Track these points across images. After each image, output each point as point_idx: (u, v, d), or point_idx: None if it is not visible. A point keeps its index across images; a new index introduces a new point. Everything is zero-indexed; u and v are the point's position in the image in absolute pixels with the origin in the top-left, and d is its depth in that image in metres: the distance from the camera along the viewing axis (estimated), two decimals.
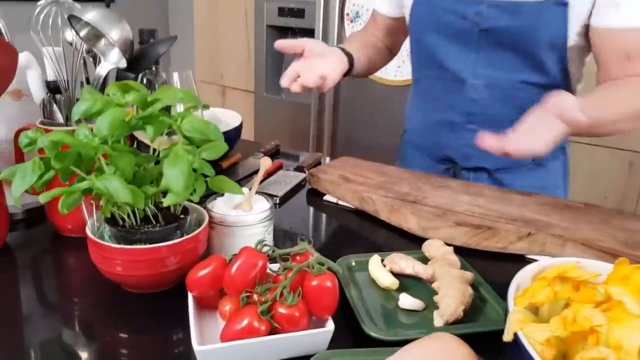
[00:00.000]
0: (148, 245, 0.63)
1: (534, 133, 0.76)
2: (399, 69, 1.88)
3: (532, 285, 0.54)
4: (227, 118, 1.23)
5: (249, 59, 2.35)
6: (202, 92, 2.61)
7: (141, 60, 0.78)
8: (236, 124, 1.17)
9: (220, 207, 0.74)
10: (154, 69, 0.92)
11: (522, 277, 0.55)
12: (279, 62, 2.26)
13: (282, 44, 0.98)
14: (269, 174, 1.11)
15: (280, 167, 1.17)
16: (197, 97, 0.72)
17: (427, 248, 0.75)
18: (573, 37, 0.91)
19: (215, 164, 0.97)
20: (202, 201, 0.71)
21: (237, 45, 2.40)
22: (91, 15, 0.69)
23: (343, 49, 1.05)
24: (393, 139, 1.96)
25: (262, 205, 0.75)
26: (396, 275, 0.70)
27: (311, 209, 0.99)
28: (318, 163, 1.20)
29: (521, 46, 0.93)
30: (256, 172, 1.04)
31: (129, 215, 0.66)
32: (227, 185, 0.68)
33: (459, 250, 0.75)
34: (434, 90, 1.08)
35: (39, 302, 0.67)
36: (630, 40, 0.85)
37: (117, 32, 0.70)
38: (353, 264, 0.73)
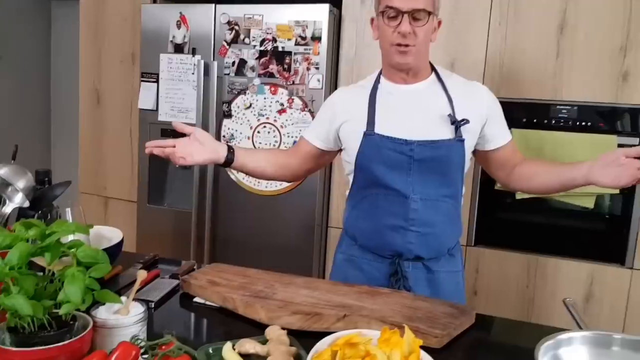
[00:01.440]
0: (44, 347, 0.82)
1: None
2: (269, 182, 2.21)
3: (324, 350, 0.82)
4: (110, 234, 1.44)
5: (132, 172, 2.56)
6: (85, 203, 2.74)
7: (41, 200, 1.00)
8: (117, 240, 1.38)
9: (102, 313, 0.94)
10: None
11: (320, 345, 0.83)
12: (162, 174, 2.50)
13: (177, 124, 1.40)
14: (148, 282, 1.31)
15: (157, 276, 1.38)
16: (86, 227, 0.95)
17: (268, 332, 1.00)
18: (467, 160, 1.37)
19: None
20: (88, 308, 0.91)
21: (121, 159, 2.61)
22: (3, 170, 0.90)
23: (230, 146, 1.41)
24: (265, 240, 2.24)
25: (137, 310, 0.96)
26: (243, 355, 0.94)
27: (183, 309, 1.21)
28: (192, 269, 1.42)
29: (440, 170, 1.33)
30: (135, 281, 1.25)
31: (28, 324, 0.84)
32: (109, 297, 0.90)
33: (296, 332, 1.01)
34: (381, 203, 1.37)
35: None
36: (508, 148, 1.41)
37: (22, 182, 0.92)
38: (211, 351, 0.96)
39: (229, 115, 2.24)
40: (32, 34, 3.52)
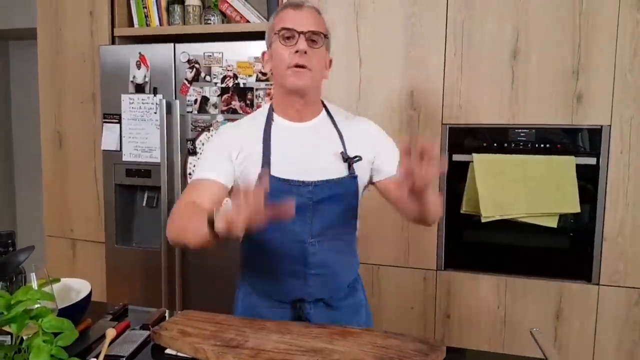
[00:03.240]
0: None
1: None
2: None
3: None
4: (78, 285, 1.40)
5: (99, 213, 2.52)
6: (52, 247, 2.68)
7: (5, 267, 0.97)
8: (85, 292, 1.35)
9: None
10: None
11: None
12: (129, 214, 2.47)
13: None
14: (119, 334, 1.29)
15: (127, 327, 1.35)
16: (51, 295, 0.93)
17: None
18: (360, 195, 1.39)
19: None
20: None
21: (87, 200, 2.56)
22: None
23: None
24: (233, 273, 2.22)
25: None
26: None
27: None
28: (162, 318, 1.41)
29: (337, 208, 1.33)
30: (104, 337, 1.22)
31: None
32: None
33: None
34: (279, 248, 1.33)
35: None
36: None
37: None
38: None
39: (193, 152, 2.24)
40: None
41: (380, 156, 1.40)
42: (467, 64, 2.06)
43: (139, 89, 2.29)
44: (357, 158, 1.34)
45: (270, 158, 1.32)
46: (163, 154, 2.23)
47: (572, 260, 2.06)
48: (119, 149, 2.36)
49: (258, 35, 2.19)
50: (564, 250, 2.08)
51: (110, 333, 1.05)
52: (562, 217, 2.03)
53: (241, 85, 2.14)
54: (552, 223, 2.01)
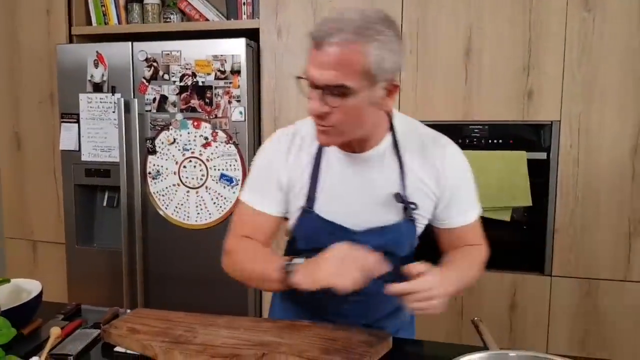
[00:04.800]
0: None
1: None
2: (198, 215, 2.21)
3: None
4: (29, 286, 1.39)
5: (59, 213, 2.49)
6: (12, 249, 2.64)
7: None
8: (36, 292, 1.34)
9: None
10: None
11: None
12: (89, 215, 2.45)
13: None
14: (69, 333, 1.28)
15: (79, 326, 1.35)
16: None
17: None
18: (417, 236, 1.21)
19: (17, 332, 1.15)
20: None
21: (47, 202, 2.53)
22: None
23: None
24: (199, 274, 2.22)
25: None
26: None
27: None
28: (115, 316, 1.40)
29: (388, 252, 1.09)
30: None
31: None
32: None
33: None
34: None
35: None
36: (463, 231, 1.22)
37: None
38: None
39: (153, 151, 2.23)
40: None
41: (445, 200, 1.16)
42: (422, 62, 2.10)
43: (97, 88, 2.27)
44: (413, 206, 1.12)
45: (315, 192, 1.15)
46: (122, 154, 2.22)
47: (526, 253, 2.13)
48: (77, 149, 2.33)
49: (217, 34, 2.21)
50: (518, 243, 2.14)
51: (55, 332, 1.05)
52: (515, 211, 2.09)
53: (200, 84, 2.14)
54: (506, 216, 2.07)
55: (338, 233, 1.13)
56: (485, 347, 1.13)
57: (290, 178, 1.17)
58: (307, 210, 1.16)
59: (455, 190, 1.17)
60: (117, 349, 1.21)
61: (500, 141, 2.07)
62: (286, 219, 1.25)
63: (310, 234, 1.18)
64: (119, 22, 2.41)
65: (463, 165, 1.19)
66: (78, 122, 2.31)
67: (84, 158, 2.33)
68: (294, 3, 2.19)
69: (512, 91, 2.04)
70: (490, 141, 2.08)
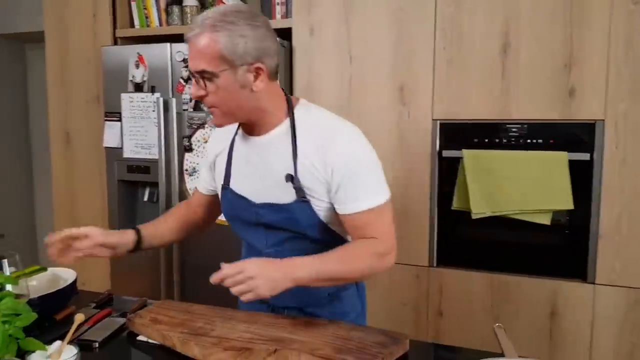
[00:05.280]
0: None
1: (261, 277, 1.09)
2: None
3: None
4: (65, 275, 1.46)
5: (103, 207, 2.60)
6: None
7: None
8: (71, 280, 1.41)
9: (35, 357, 0.97)
10: None
11: None
12: (132, 209, 2.54)
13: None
14: (98, 321, 1.34)
15: (108, 314, 1.40)
16: (14, 279, 0.98)
17: None
18: (325, 217, 1.23)
19: (49, 317, 1.25)
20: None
21: (93, 196, 2.65)
22: None
23: (138, 230, 1.43)
24: None
25: (69, 354, 0.99)
26: None
27: (126, 348, 1.23)
28: (144, 306, 1.45)
29: (293, 230, 1.24)
30: (87, 320, 1.28)
31: None
32: (32, 345, 0.93)
33: None
34: (246, 255, 1.38)
35: None
36: (356, 220, 1.21)
37: None
38: None
39: (189, 149, 2.29)
40: (7, 77, 3.59)
41: (335, 185, 1.20)
42: (457, 59, 2.05)
43: (138, 87, 2.35)
44: (302, 188, 1.20)
45: (230, 170, 1.32)
46: (161, 151, 2.29)
47: (567, 259, 2.03)
48: (120, 146, 2.42)
49: None
50: (559, 248, 2.05)
51: (79, 318, 1.10)
52: (556, 214, 2.00)
53: None
54: (546, 220, 1.99)
55: (246, 206, 1.29)
56: (502, 354, 1.09)
57: (216, 155, 1.36)
58: (225, 186, 1.33)
59: (346, 178, 1.19)
60: (140, 337, 1.25)
61: (540, 141, 1.99)
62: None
63: (229, 209, 1.34)
64: (160, 24, 2.49)
65: (354, 154, 1.20)
66: (120, 120, 2.40)
67: (125, 155, 2.42)
68: (327, 2, 2.19)
69: (552, 89, 1.95)
70: (528, 141, 2.00)
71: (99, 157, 2.59)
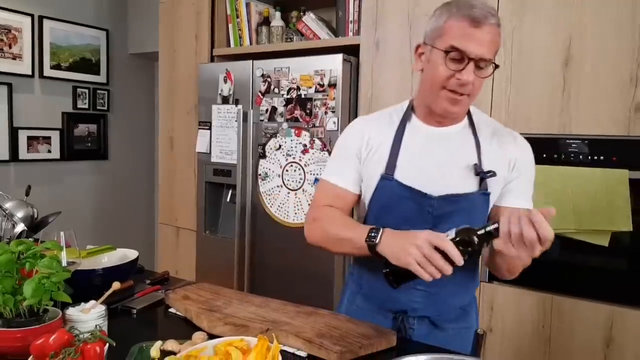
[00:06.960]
0: (17, 329, 1.11)
1: None
2: (295, 214, 2.43)
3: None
4: (131, 254, 1.75)
5: (195, 206, 2.95)
6: (163, 233, 3.19)
7: (39, 226, 1.34)
8: (132, 258, 1.69)
9: (72, 310, 1.22)
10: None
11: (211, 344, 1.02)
12: (217, 208, 2.86)
13: None
14: (146, 293, 1.59)
15: (157, 290, 1.65)
16: (60, 246, 1.24)
17: (193, 336, 1.21)
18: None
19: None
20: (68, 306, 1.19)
21: (187, 194, 3.02)
22: (9, 204, 1.25)
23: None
24: (294, 268, 2.43)
25: (97, 310, 1.23)
26: (169, 352, 1.15)
27: (159, 316, 1.46)
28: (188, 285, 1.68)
29: (459, 223, 1.12)
30: (139, 291, 1.55)
31: (10, 311, 1.14)
32: (61, 297, 1.17)
33: None
34: None
35: None
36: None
37: (21, 213, 1.26)
38: (144, 346, 1.19)
39: (263, 156, 2.52)
40: (138, 89, 4.19)
41: (514, 181, 1.26)
42: (517, 71, 2.02)
43: (225, 100, 2.66)
44: (491, 173, 1.21)
45: (397, 160, 1.26)
46: (239, 157, 2.56)
47: (626, 284, 1.88)
48: (209, 152, 2.75)
49: (324, 51, 2.43)
50: (618, 272, 1.91)
51: (115, 285, 1.34)
52: (617, 236, 1.87)
53: (302, 96, 2.37)
54: (604, 241, 1.87)
55: (415, 198, 1.23)
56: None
57: (370, 145, 1.30)
58: (387, 177, 1.26)
59: (525, 172, 1.27)
60: (171, 310, 1.48)
61: (602, 157, 1.88)
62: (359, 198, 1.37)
63: (387, 201, 1.27)
64: (250, 43, 2.78)
65: (529, 154, 1.30)
66: (210, 129, 2.73)
67: (212, 159, 2.74)
68: (392, 20, 2.29)
69: (616, 104, 1.84)
70: (590, 157, 1.90)
71: (193, 160, 2.95)
